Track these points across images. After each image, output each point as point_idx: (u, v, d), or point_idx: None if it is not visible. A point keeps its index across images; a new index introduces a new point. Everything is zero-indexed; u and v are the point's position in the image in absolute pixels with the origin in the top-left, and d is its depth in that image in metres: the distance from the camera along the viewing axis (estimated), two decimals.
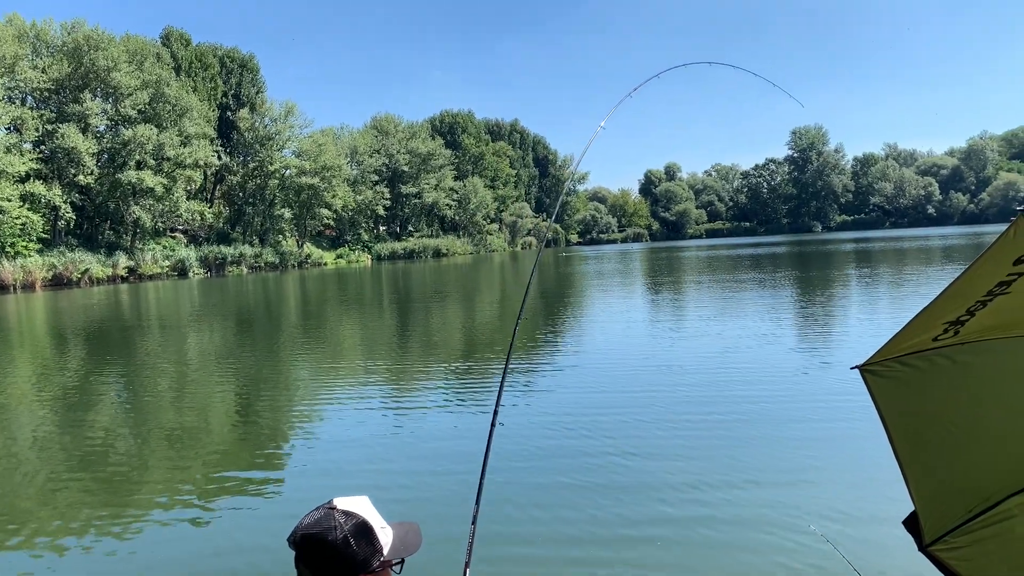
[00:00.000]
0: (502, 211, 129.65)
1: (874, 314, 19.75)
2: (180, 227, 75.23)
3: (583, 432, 9.80)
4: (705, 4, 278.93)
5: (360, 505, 1.88)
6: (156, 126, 64.41)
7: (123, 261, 61.04)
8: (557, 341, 19.33)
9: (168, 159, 65.45)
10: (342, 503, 1.87)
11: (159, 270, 64.08)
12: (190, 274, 65.99)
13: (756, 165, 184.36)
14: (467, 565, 2.93)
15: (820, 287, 30.05)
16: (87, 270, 56.74)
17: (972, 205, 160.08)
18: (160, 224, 69.70)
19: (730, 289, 31.34)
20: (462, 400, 12.54)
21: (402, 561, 1.91)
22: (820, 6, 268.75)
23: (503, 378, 3.88)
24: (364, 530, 1.82)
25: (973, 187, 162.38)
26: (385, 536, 1.87)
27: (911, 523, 2.81)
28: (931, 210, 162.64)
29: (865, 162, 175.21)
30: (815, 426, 9.62)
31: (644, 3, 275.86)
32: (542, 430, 10.05)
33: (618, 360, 15.56)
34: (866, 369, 2.51)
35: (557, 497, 7.46)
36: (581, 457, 8.75)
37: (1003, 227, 1.93)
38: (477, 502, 3.22)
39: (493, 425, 3.58)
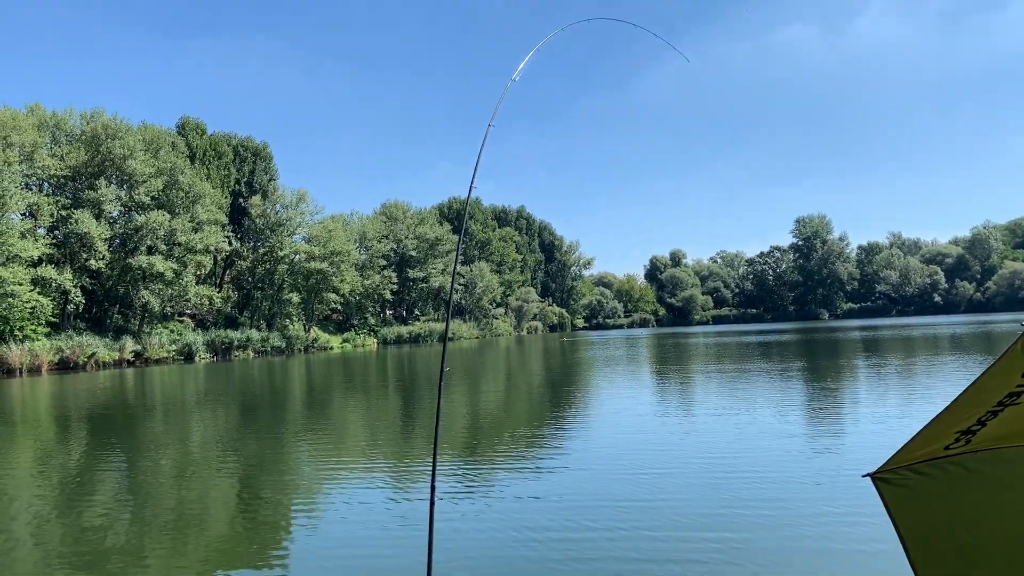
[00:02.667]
0: (508, 296, 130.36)
1: (884, 411, 19.53)
2: (188, 311, 75.62)
3: (581, 528, 9.60)
4: (702, 100, 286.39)
5: None
6: (169, 212, 65.47)
7: (130, 345, 61.12)
8: (559, 433, 19.13)
9: (179, 244, 66.27)
10: None
11: (165, 354, 64.10)
12: (196, 358, 65.96)
13: (761, 252, 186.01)
14: None
15: (829, 379, 29.85)
16: (94, 354, 56.79)
17: (979, 294, 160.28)
18: (168, 308, 70.11)
19: (738, 380, 31.16)
20: (470, 488, 12.33)
21: None
22: (820, 99, 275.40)
23: (434, 462, 3.94)
24: None
25: (979, 276, 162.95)
26: None
27: None
28: (937, 298, 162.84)
29: (869, 250, 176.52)
30: (826, 535, 9.37)
31: (641, 101, 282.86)
32: (533, 523, 9.86)
33: (622, 456, 15.35)
34: (878, 477, 2.49)
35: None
36: (572, 562, 8.55)
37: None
38: None
39: (432, 504, 3.59)
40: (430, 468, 13.58)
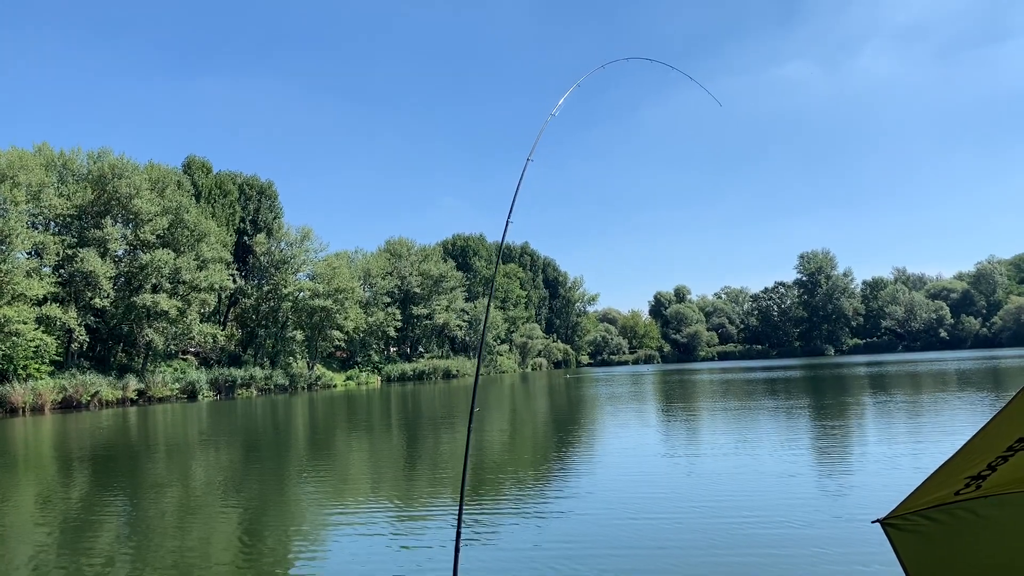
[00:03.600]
0: (512, 332, 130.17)
1: (893, 451, 19.33)
2: (192, 349, 75.60)
3: (583, 569, 9.48)
4: (704, 131, 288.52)
5: None
6: (174, 250, 65.78)
7: (133, 383, 61.02)
8: (562, 475, 18.98)
9: (184, 283, 66.47)
10: None
11: (169, 392, 63.95)
12: (200, 396, 65.79)
13: (765, 288, 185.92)
14: None
15: (836, 417, 29.64)
16: (97, 392, 56.67)
17: (985, 329, 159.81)
18: (172, 347, 70.12)
19: (744, 419, 30.98)
20: (471, 533, 12.19)
21: None
22: (820, 135, 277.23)
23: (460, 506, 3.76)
24: None
25: (984, 311, 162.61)
26: None
27: None
28: (943, 333, 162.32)
29: (874, 286, 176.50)
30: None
31: (644, 135, 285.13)
32: (532, 572, 9.74)
33: (625, 500, 15.20)
34: (888, 523, 2.45)
35: None
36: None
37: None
38: None
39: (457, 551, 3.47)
40: (435, 510, 13.42)
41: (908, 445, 19.49)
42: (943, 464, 2.19)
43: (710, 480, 15.74)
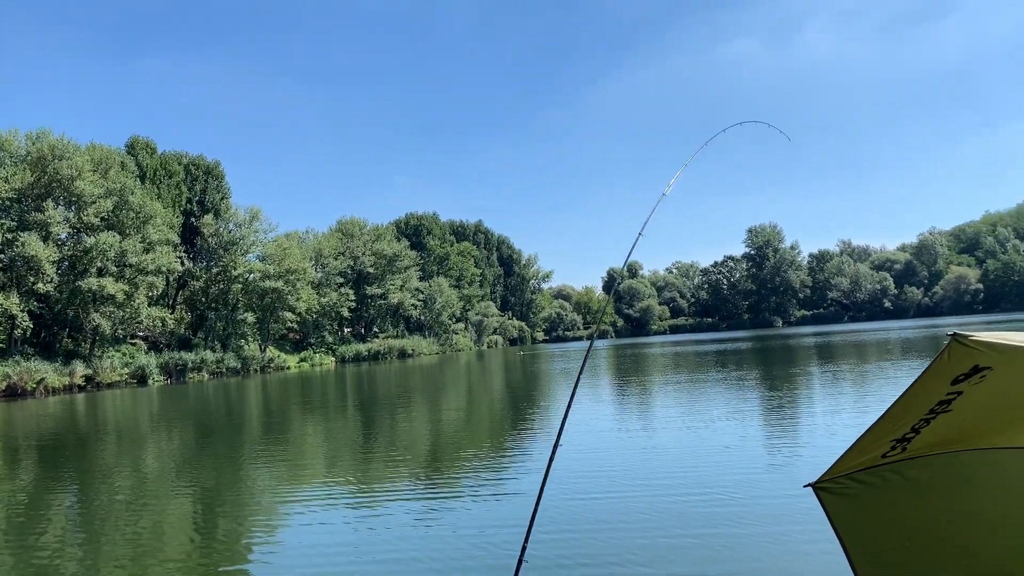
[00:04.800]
0: (468, 310, 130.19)
1: (839, 420, 19.90)
2: (140, 333, 74.14)
3: (534, 555, 9.64)
4: (657, 109, 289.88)
5: None
6: (119, 233, 64.23)
7: (80, 369, 59.67)
8: (517, 453, 19.17)
9: (130, 266, 65.01)
10: None
11: (118, 378, 62.71)
12: (150, 381, 64.66)
13: (715, 262, 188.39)
14: None
15: (784, 388, 30.34)
16: (43, 379, 55.34)
17: (927, 298, 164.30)
18: (120, 331, 68.67)
19: (695, 391, 31.52)
20: (428, 507, 12.29)
21: None
22: (766, 111, 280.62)
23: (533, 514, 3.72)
24: None
25: (926, 280, 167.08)
26: None
27: None
28: (887, 304, 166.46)
29: (821, 258, 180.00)
30: (774, 547, 9.54)
31: (600, 110, 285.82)
32: (488, 552, 9.88)
33: (577, 477, 15.43)
34: (819, 487, 2.56)
35: None
36: (540, 549, 8.59)
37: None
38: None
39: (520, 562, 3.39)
40: (392, 492, 13.43)
41: (852, 414, 20.07)
42: (870, 428, 2.30)
43: (658, 455, 16.04)
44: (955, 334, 1.94)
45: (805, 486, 2.61)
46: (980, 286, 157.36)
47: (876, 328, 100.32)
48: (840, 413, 20.46)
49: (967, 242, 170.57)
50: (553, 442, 3.75)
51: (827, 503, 2.62)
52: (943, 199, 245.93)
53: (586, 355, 4.82)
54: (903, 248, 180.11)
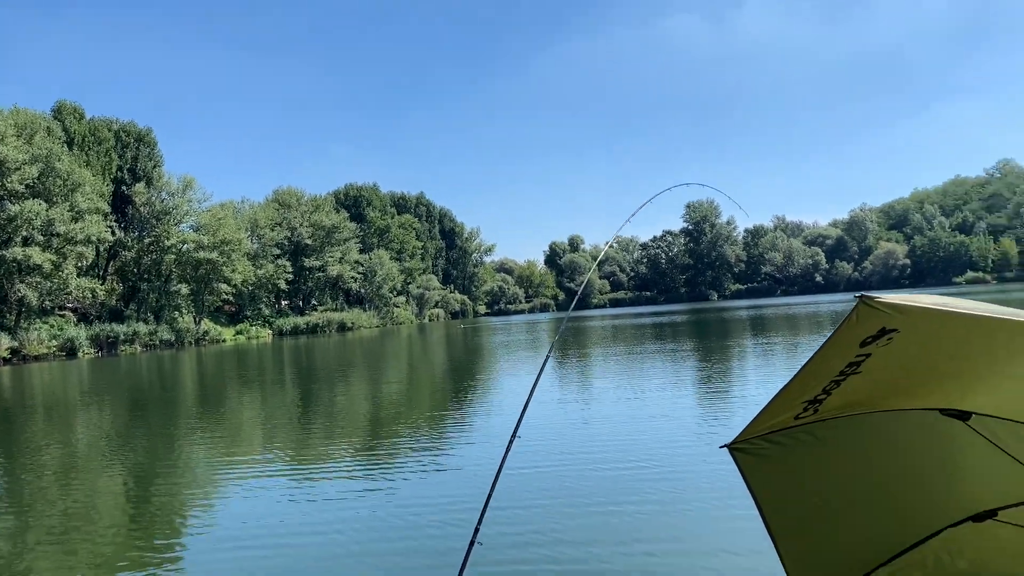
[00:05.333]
0: (409, 283, 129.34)
1: (765, 389, 20.47)
2: (69, 305, 71.89)
3: (477, 503, 9.76)
4: (594, 84, 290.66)
5: None
6: (46, 201, 61.97)
7: (6, 342, 57.68)
8: (456, 426, 19.30)
9: (58, 235, 62.87)
10: None
11: (46, 351, 60.81)
12: (80, 354, 62.88)
13: (654, 237, 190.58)
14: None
15: (717, 359, 31.01)
16: None
17: (856, 273, 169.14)
18: (48, 303, 66.47)
19: (631, 363, 32.01)
20: (368, 482, 12.32)
21: None
22: (705, 88, 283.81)
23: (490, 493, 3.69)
24: None
25: (856, 256, 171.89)
26: None
27: None
28: (819, 278, 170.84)
29: (756, 233, 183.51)
30: (696, 506, 9.85)
31: (543, 82, 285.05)
32: (426, 524, 9.99)
33: (516, 449, 15.59)
34: (734, 448, 2.67)
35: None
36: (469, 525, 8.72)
37: (885, 294, 2.09)
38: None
39: (472, 543, 3.38)
40: (331, 465, 13.38)
41: (782, 383, 20.63)
42: (782, 390, 2.39)
43: (593, 426, 16.31)
44: (862, 296, 2.03)
45: (721, 447, 2.72)
46: (907, 261, 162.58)
47: (807, 302, 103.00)
48: (770, 383, 21.05)
49: (896, 219, 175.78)
50: (513, 428, 3.74)
51: (742, 463, 2.73)
52: (874, 177, 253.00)
53: (562, 328, 4.87)
54: (835, 224, 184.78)
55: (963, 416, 2.51)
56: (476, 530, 3.42)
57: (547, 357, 4.40)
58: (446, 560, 7.96)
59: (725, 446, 2.68)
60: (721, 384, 22.30)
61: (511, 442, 3.73)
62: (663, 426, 15.53)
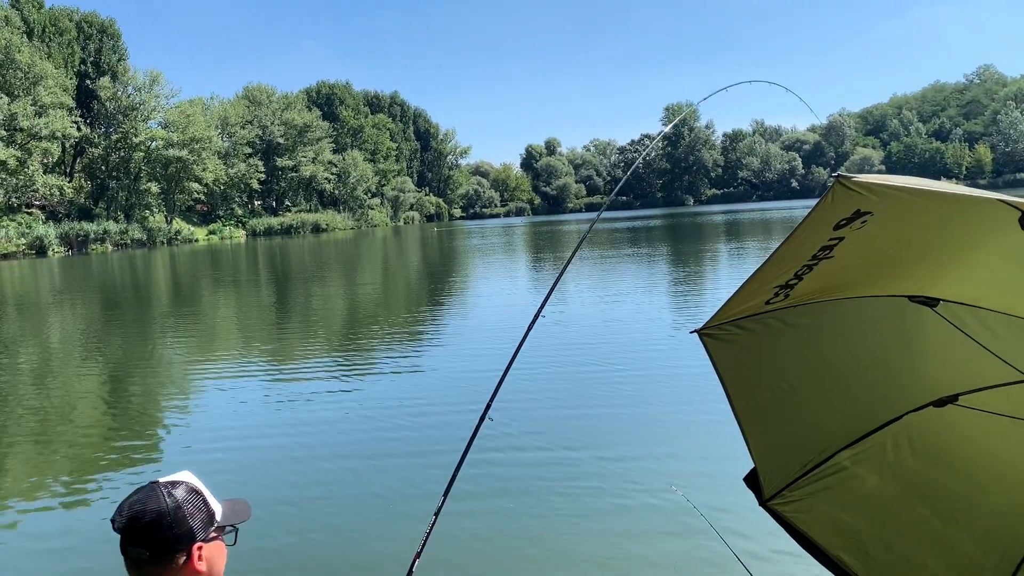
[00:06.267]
0: (384, 186, 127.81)
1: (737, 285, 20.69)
2: (37, 203, 70.49)
3: (453, 404, 9.93)
4: None
5: (183, 476, 1.84)
6: (7, 94, 59.96)
7: None
8: (428, 329, 19.45)
9: (21, 130, 61.09)
10: (163, 479, 1.82)
11: (14, 248, 59.95)
12: (49, 252, 62.08)
13: (632, 140, 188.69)
14: (418, 555, 2.94)
15: (691, 263, 31.21)
16: None
17: (832, 179, 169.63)
18: (14, 200, 65.12)
19: (606, 266, 32.15)
20: (345, 382, 12.44)
21: (235, 531, 1.88)
22: None
23: (503, 375, 3.59)
24: (194, 494, 1.79)
25: (833, 161, 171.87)
26: (214, 503, 1.84)
27: (751, 479, 3.04)
28: (795, 184, 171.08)
29: (734, 138, 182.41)
30: (666, 392, 10.09)
31: None
32: (411, 402, 10.15)
33: (490, 338, 15.76)
34: (704, 333, 2.68)
35: (416, 463, 7.56)
36: (452, 427, 8.88)
37: (862, 176, 2.04)
38: (445, 495, 3.12)
39: (481, 420, 3.35)
40: (307, 364, 13.42)
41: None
42: (754, 273, 2.36)
43: (567, 328, 16.42)
44: (838, 176, 2.00)
45: (691, 332, 2.73)
46: (883, 167, 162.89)
47: (782, 207, 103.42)
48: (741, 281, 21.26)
49: (874, 124, 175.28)
50: (516, 346, 3.66)
51: (711, 348, 2.74)
52: (853, 81, 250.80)
53: (581, 240, 4.75)
54: (813, 129, 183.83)
55: (931, 303, 2.53)
56: (488, 406, 3.41)
57: (566, 264, 4.11)
58: (418, 462, 8.15)
59: (695, 331, 2.69)
60: (695, 288, 22.53)
61: (525, 336, 3.66)
62: (637, 321, 15.71)
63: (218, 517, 1.83)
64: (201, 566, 1.76)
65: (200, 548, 1.76)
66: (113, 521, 1.75)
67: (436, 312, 20.60)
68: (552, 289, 3.63)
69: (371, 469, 7.93)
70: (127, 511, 1.74)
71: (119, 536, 1.75)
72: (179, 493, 1.77)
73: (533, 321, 3.52)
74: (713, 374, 2.78)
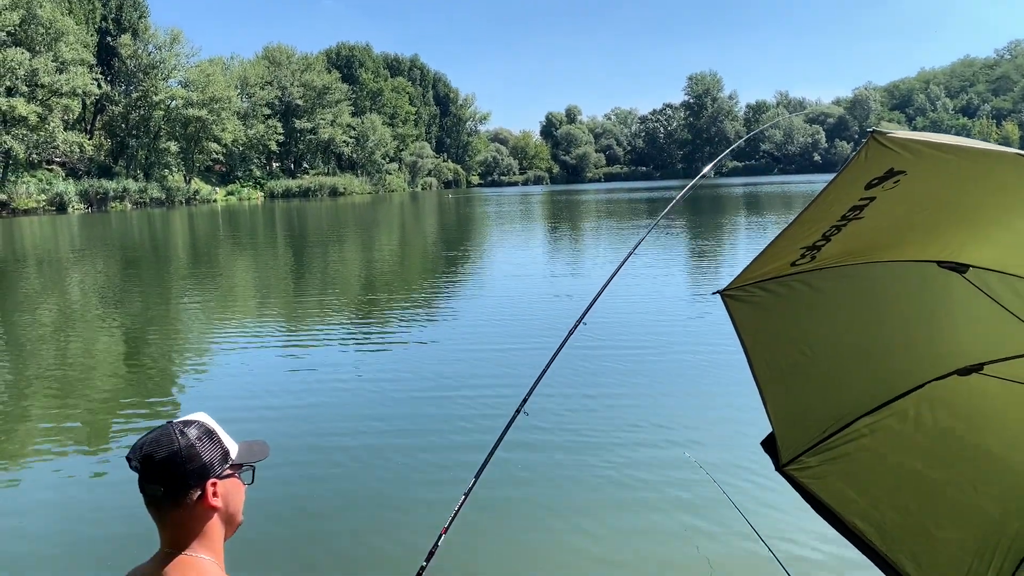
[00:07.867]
0: (402, 150, 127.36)
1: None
2: (57, 159, 70.85)
3: (467, 376, 9.97)
4: None
5: (198, 416, 1.85)
6: (28, 50, 59.98)
7: None
8: (442, 298, 19.46)
9: (43, 86, 61.18)
10: (177, 419, 1.83)
11: (35, 204, 60.38)
12: (69, 209, 62.49)
13: (653, 110, 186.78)
14: (445, 531, 2.97)
15: (711, 237, 30.99)
16: None
17: (855, 153, 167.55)
18: (35, 156, 65.45)
19: (626, 236, 31.99)
20: (362, 347, 12.49)
21: (252, 470, 1.89)
22: None
23: (544, 370, 3.54)
24: (207, 432, 1.79)
25: (856, 135, 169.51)
26: (230, 442, 1.85)
27: (769, 444, 3.01)
28: (817, 157, 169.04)
29: (757, 109, 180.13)
30: (684, 357, 10.05)
31: None
32: (417, 372, 10.19)
33: (507, 307, 15.76)
34: (727, 294, 2.63)
35: (437, 441, 7.60)
36: (465, 400, 8.91)
37: (898, 131, 1.95)
38: (476, 476, 3.13)
39: (517, 412, 3.36)
40: (325, 328, 13.45)
41: None
42: (780, 234, 2.30)
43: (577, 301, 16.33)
44: (874, 131, 1.93)
45: (713, 293, 2.69)
46: None
47: (803, 180, 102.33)
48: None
49: (900, 98, 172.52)
50: (572, 326, 3.63)
51: (733, 310, 2.69)
52: (879, 54, 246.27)
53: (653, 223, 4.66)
54: (837, 102, 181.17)
55: (961, 269, 2.47)
56: (525, 400, 3.42)
57: (636, 246, 3.93)
58: (437, 442, 8.19)
59: (718, 292, 2.65)
60: (713, 263, 22.38)
61: (576, 326, 3.65)
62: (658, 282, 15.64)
63: (233, 455, 1.83)
64: (216, 502, 1.76)
65: (215, 484, 1.76)
66: (129, 460, 1.76)
67: (452, 281, 20.59)
68: (597, 296, 3.60)
69: (388, 446, 7.97)
70: (142, 450, 1.75)
71: (136, 475, 1.76)
72: (192, 431, 1.77)
73: (574, 328, 3.52)
74: (731, 336, 2.75)
